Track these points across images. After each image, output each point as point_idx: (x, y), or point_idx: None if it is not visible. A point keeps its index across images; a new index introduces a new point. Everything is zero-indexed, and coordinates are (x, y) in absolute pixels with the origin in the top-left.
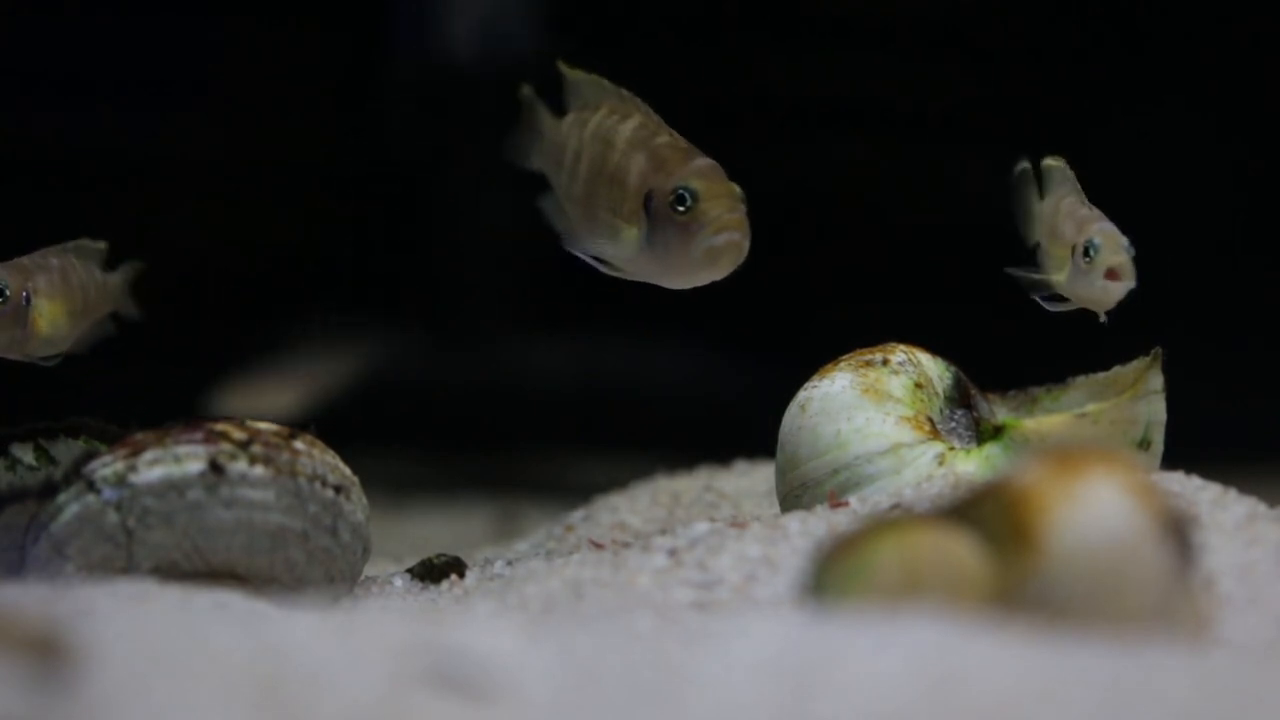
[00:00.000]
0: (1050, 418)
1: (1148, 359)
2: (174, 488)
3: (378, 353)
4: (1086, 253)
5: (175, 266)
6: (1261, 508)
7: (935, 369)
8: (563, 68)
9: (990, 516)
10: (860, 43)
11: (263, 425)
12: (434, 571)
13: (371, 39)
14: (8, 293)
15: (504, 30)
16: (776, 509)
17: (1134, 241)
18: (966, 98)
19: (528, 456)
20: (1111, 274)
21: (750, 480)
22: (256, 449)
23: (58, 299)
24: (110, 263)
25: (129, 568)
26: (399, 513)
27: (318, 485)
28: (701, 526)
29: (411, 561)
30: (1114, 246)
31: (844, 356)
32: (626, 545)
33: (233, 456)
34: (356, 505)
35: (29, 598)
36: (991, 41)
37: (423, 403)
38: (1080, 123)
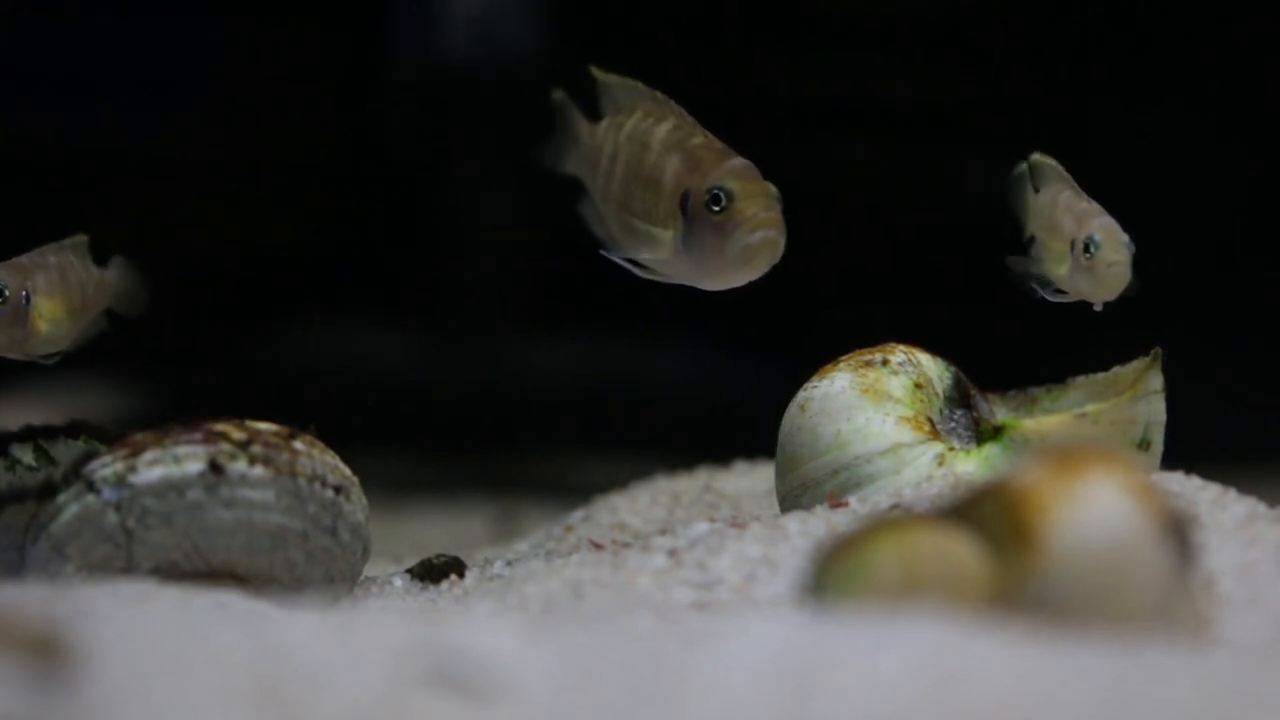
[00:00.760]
0: (1050, 418)
1: (1148, 359)
2: (174, 488)
3: (377, 353)
4: (1087, 249)
5: (174, 266)
6: (1261, 508)
7: (935, 369)
8: (596, 72)
9: (990, 517)
10: (860, 43)
11: (262, 425)
12: (434, 571)
13: (371, 39)
14: (7, 293)
15: (504, 30)
16: (776, 509)
17: (1133, 240)
18: (966, 98)
19: (528, 456)
20: (1112, 269)
21: (750, 480)
22: (256, 449)
23: (57, 297)
24: (97, 258)
25: (129, 568)
26: (399, 513)
27: (317, 485)
28: (701, 527)
29: (411, 561)
30: (1115, 243)
31: (844, 357)
32: (626, 545)
33: (232, 457)
34: (356, 505)
35: (29, 598)
36: (991, 41)
37: (423, 403)
38: (1080, 123)
